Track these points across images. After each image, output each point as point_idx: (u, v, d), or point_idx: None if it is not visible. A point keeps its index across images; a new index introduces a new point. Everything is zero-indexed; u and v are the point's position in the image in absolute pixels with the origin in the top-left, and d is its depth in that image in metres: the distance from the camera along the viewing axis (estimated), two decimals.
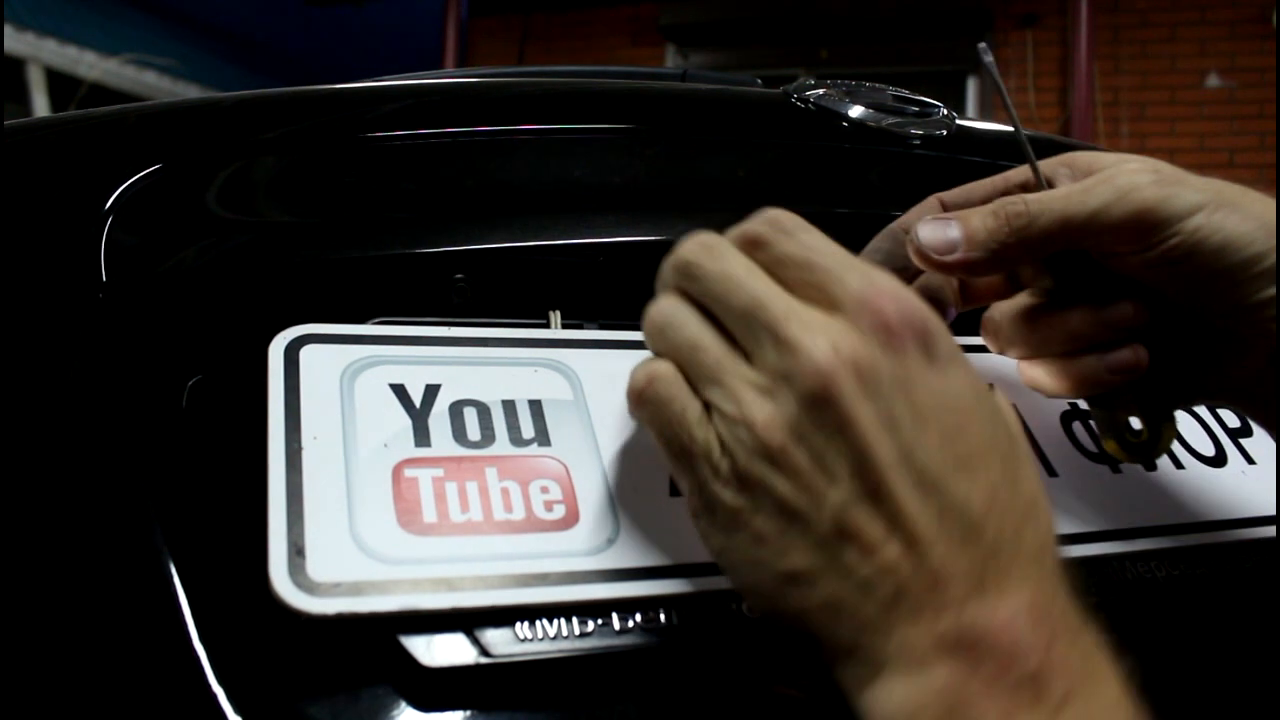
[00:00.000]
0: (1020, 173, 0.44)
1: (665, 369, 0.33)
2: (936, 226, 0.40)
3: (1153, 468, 0.47)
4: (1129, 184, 0.39)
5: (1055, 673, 0.28)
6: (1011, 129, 0.44)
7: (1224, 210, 0.38)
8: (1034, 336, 0.43)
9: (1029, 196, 0.40)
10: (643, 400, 0.34)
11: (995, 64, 0.44)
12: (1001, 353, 0.45)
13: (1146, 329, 0.41)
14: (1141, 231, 0.39)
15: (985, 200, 0.42)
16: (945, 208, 0.44)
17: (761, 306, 0.31)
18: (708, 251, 0.33)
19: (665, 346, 0.34)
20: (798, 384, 0.30)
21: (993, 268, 0.41)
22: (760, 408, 0.31)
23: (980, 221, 0.40)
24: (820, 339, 0.30)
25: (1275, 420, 0.42)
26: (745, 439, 0.31)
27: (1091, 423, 0.47)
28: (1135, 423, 0.43)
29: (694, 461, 0.32)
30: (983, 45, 0.46)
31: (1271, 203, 0.40)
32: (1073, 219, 0.39)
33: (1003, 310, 0.44)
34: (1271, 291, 0.38)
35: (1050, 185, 0.43)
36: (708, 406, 0.32)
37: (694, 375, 0.33)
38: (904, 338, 0.31)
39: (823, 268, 0.32)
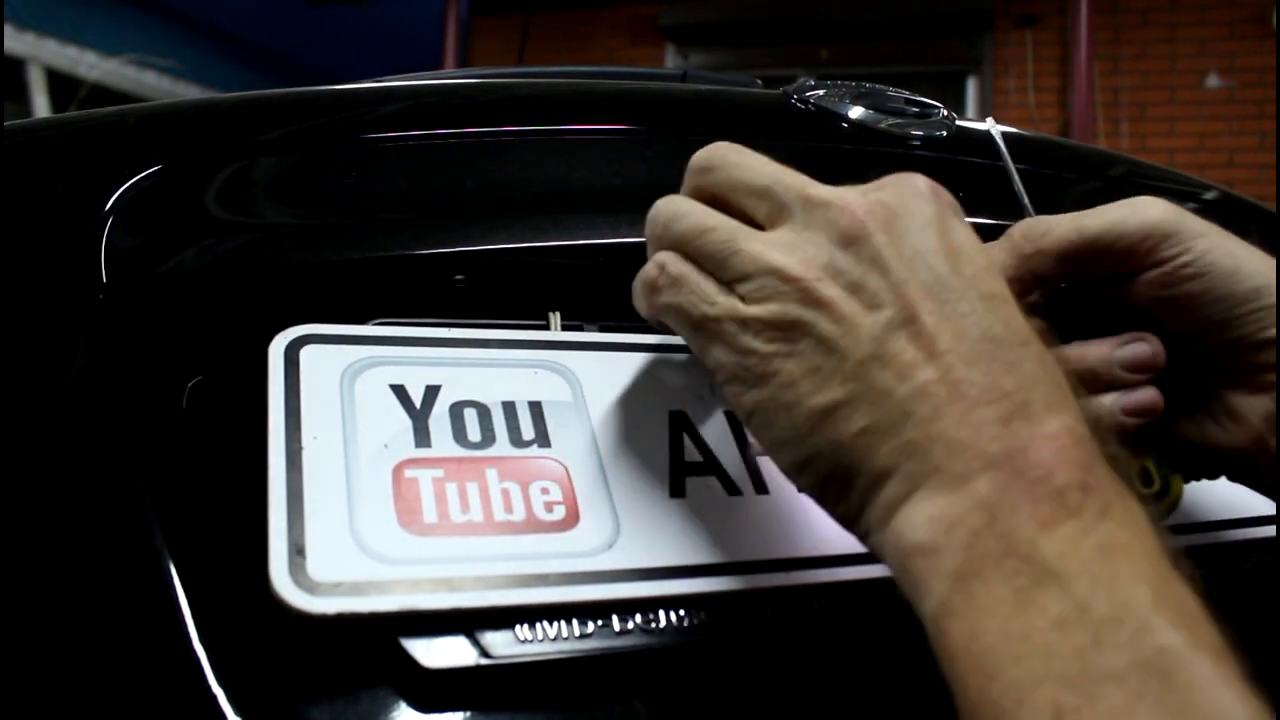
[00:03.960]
0: None
1: (672, 256, 0.35)
2: None
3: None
4: (1140, 202, 0.40)
5: (1093, 489, 0.28)
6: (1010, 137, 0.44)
7: (1231, 240, 0.39)
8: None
9: (1043, 216, 0.41)
10: (658, 288, 0.36)
11: (1002, 137, 0.45)
12: None
13: (1159, 377, 0.40)
14: (1155, 244, 0.39)
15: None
16: None
17: (782, 180, 0.35)
18: (723, 147, 0.37)
19: (672, 237, 0.36)
20: (834, 226, 0.33)
21: (1018, 290, 0.40)
22: (788, 254, 0.33)
23: (998, 246, 0.41)
24: (847, 193, 0.33)
25: (1276, 479, 0.41)
26: (775, 285, 0.32)
27: None
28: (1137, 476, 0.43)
29: (719, 325, 0.34)
30: (990, 119, 0.48)
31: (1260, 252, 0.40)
32: (1087, 229, 0.39)
33: None
34: (1273, 332, 0.38)
35: None
36: (729, 284, 0.34)
37: (708, 256, 0.34)
38: (935, 196, 0.34)
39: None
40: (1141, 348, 0.40)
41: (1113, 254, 0.40)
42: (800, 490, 0.34)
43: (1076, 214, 0.40)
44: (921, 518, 0.29)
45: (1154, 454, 0.42)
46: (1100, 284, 0.41)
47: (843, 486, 0.32)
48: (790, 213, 0.34)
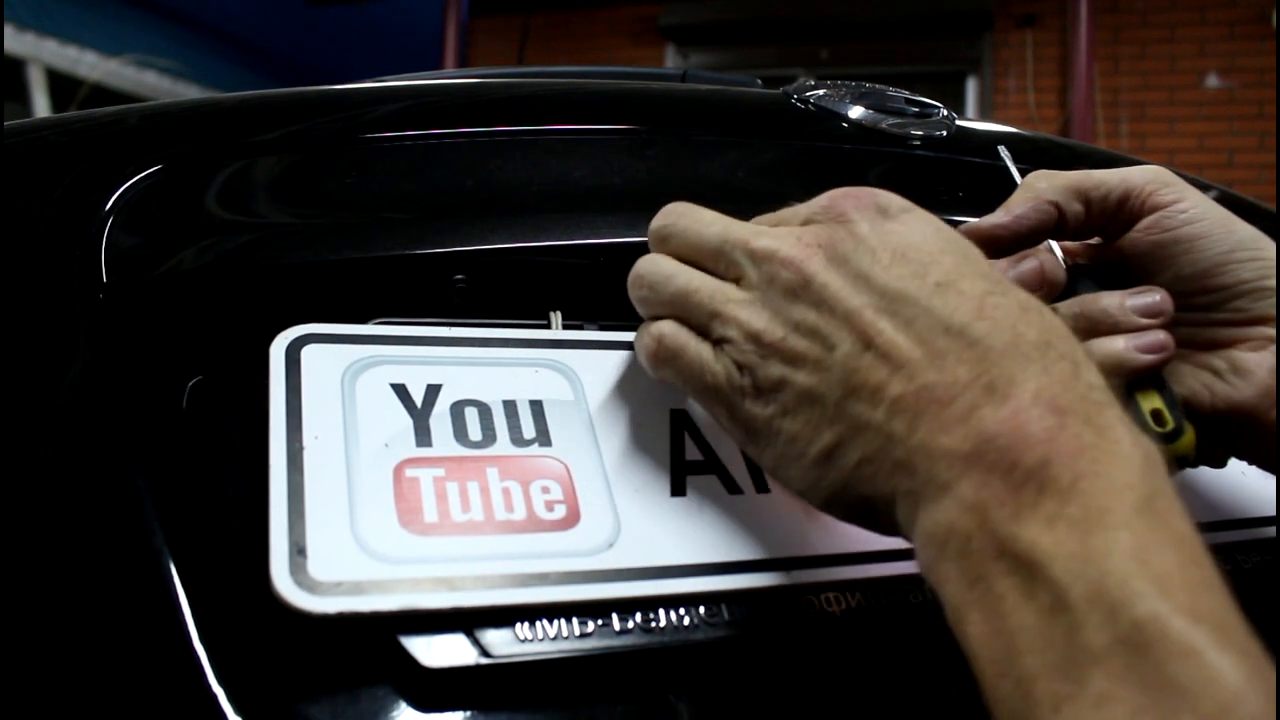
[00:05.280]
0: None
1: (667, 325, 0.37)
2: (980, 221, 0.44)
3: (1181, 465, 0.45)
4: (1142, 166, 0.43)
5: (1063, 458, 0.28)
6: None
7: (1228, 213, 0.41)
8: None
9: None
10: (659, 360, 0.38)
11: (1012, 157, 0.49)
12: None
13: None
14: (1155, 189, 0.42)
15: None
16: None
17: (729, 235, 0.36)
18: (674, 212, 0.39)
19: (660, 301, 0.38)
20: (779, 281, 0.34)
21: (1029, 235, 0.43)
22: (757, 317, 0.35)
23: (1015, 196, 0.43)
24: (786, 239, 0.35)
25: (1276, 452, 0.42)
26: (754, 350, 0.34)
27: None
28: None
29: (721, 394, 0.36)
30: (1001, 146, 0.51)
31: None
32: (1098, 173, 0.43)
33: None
34: (1267, 282, 0.41)
35: None
36: (717, 343, 0.36)
37: (694, 317, 0.36)
38: (858, 209, 0.35)
39: (780, 214, 0.38)
40: (1150, 295, 0.41)
41: (1118, 195, 0.42)
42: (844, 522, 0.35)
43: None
44: (925, 535, 0.30)
45: (1165, 396, 0.43)
46: (1104, 236, 0.44)
47: (869, 514, 0.33)
48: (744, 269, 0.36)
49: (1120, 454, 0.28)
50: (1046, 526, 0.27)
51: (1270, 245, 0.42)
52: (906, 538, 0.32)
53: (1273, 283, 0.41)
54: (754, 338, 0.34)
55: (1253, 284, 0.41)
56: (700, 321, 0.36)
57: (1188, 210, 0.42)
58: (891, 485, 0.31)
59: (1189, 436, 0.42)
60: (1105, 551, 0.26)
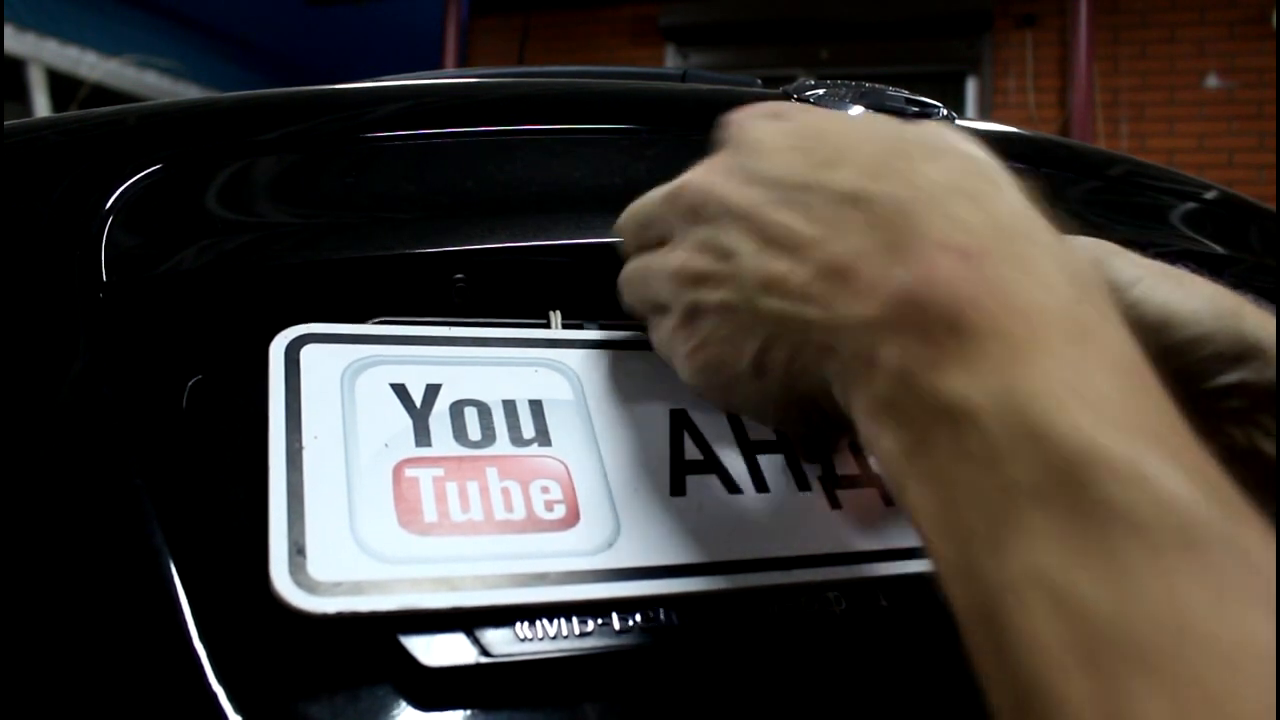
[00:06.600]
0: None
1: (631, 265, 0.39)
2: None
3: None
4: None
5: (979, 301, 0.26)
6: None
7: (1167, 283, 0.38)
8: None
9: None
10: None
11: None
12: None
13: None
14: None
15: None
16: None
17: (655, 199, 0.37)
18: (625, 213, 0.40)
19: (635, 304, 0.39)
20: (685, 210, 0.34)
21: None
22: (669, 258, 0.35)
23: None
24: (691, 171, 0.35)
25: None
26: (669, 289, 0.35)
27: None
28: None
29: (665, 350, 0.37)
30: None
31: (1218, 287, 0.38)
32: None
33: None
34: (1231, 378, 0.37)
35: None
36: (663, 311, 0.36)
37: (650, 299, 0.37)
38: (751, 117, 0.35)
39: None
40: None
41: None
42: (796, 439, 0.34)
43: None
44: (861, 414, 0.28)
45: None
46: None
47: (819, 413, 0.33)
48: (669, 220, 0.36)
49: (1045, 284, 0.26)
50: (968, 370, 0.25)
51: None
52: (855, 427, 0.30)
53: (1230, 377, 0.37)
54: (665, 278, 0.35)
55: (1207, 384, 0.37)
56: (645, 304, 0.38)
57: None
58: (822, 373, 0.30)
59: None
60: (1030, 383, 0.24)
